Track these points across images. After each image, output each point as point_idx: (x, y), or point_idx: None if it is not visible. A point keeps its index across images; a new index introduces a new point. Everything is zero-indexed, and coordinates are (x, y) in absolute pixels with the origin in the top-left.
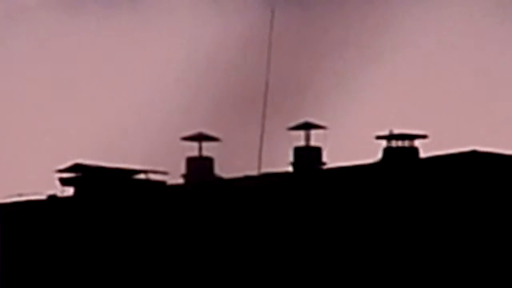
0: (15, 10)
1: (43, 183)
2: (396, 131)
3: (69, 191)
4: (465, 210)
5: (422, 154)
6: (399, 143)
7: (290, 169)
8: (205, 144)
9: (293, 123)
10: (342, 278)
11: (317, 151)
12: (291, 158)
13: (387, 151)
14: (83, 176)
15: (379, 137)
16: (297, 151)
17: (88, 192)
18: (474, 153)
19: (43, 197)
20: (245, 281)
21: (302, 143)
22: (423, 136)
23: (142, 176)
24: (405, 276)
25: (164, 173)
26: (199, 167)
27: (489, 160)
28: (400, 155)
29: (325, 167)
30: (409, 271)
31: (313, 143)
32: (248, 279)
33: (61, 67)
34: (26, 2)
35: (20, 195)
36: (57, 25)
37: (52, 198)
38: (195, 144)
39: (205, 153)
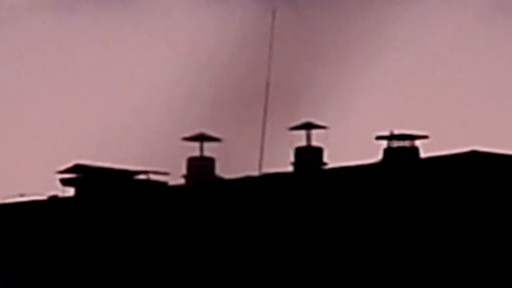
0: (7, 11)
1: (43, 184)
2: (397, 131)
3: (70, 191)
4: (465, 210)
5: (423, 154)
6: (400, 144)
7: (291, 169)
8: (206, 145)
9: (294, 123)
10: (343, 278)
11: (318, 151)
12: (292, 158)
13: (388, 151)
14: (83, 176)
15: (379, 137)
16: (298, 151)
17: (89, 193)
18: (474, 153)
19: (43, 197)
20: (246, 282)
21: (303, 143)
22: (424, 137)
23: (143, 176)
24: (406, 276)
25: (165, 173)
26: (200, 167)
27: (489, 160)
28: (400, 155)
29: (326, 167)
30: (409, 271)
31: (314, 143)
32: (249, 280)
33: (61, 68)
34: (18, 2)
35: (20, 195)
36: (55, 25)
37: (53, 198)
38: (196, 145)
39: (206, 153)
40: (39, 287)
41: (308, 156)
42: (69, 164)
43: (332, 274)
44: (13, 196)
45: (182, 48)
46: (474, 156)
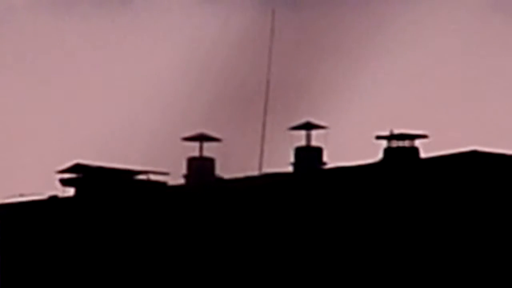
0: (6, 11)
1: (43, 184)
2: (397, 131)
3: (70, 191)
4: (465, 210)
5: (423, 154)
6: (400, 143)
7: (291, 169)
8: (206, 145)
9: (294, 123)
10: (343, 278)
11: (318, 151)
12: (292, 158)
13: (388, 151)
14: (83, 176)
15: (379, 137)
16: (298, 151)
17: (89, 193)
18: (474, 153)
19: (43, 197)
20: (246, 282)
21: (303, 143)
22: (424, 136)
23: (142, 176)
24: (406, 276)
25: (165, 173)
26: (200, 167)
27: (489, 160)
28: (400, 155)
29: (325, 167)
30: (409, 271)
31: (314, 143)
32: (249, 280)
33: (61, 68)
34: (17, 2)
35: (20, 195)
36: (54, 25)
37: (53, 198)
38: (196, 145)
39: (206, 153)
40: (39, 287)
41: (308, 156)
42: (69, 164)
43: (332, 274)
44: (13, 196)
45: (182, 48)
46: (474, 156)
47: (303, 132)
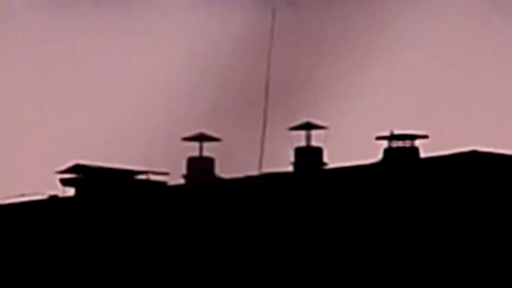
0: (5, 11)
1: (44, 184)
2: (397, 131)
3: (70, 191)
4: (465, 210)
5: (423, 154)
6: (400, 144)
7: (291, 169)
8: (205, 144)
9: (294, 123)
10: (343, 278)
11: (318, 151)
12: (292, 158)
13: (388, 151)
14: (83, 176)
15: (379, 138)
16: (298, 151)
17: (89, 193)
18: (474, 153)
19: (44, 197)
20: (246, 282)
21: (303, 143)
22: (424, 136)
23: (142, 176)
24: (406, 276)
25: (165, 173)
26: (199, 167)
27: (489, 160)
28: (400, 156)
29: (326, 167)
30: (409, 271)
31: (314, 143)
32: (249, 279)
33: (61, 68)
34: (16, 2)
35: (20, 195)
36: (54, 25)
37: (53, 198)
38: (195, 144)
39: (205, 153)
40: (39, 287)
41: (308, 156)
42: (69, 164)
43: (332, 274)
44: (13, 196)
45: (182, 48)
46: (474, 156)
47: (303, 132)
